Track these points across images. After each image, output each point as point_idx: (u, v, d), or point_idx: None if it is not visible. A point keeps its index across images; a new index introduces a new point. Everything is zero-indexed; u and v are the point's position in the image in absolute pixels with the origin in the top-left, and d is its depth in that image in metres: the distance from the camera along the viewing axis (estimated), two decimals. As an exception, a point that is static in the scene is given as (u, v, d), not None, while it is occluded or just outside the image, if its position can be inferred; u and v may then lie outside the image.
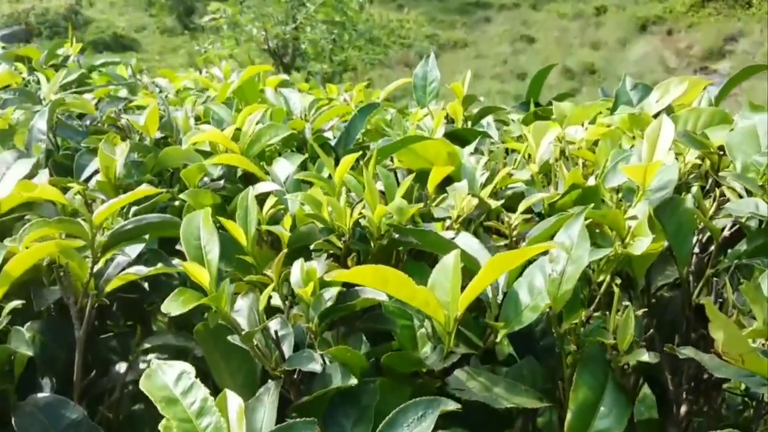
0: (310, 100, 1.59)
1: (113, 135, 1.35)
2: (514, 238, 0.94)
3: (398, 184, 1.03)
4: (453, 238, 0.87)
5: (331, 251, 0.93)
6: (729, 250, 1.00)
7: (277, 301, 0.90)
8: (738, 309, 0.82)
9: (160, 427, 0.64)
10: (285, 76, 2.02)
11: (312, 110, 1.42)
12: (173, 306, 0.74)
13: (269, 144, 1.21)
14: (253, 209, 0.96)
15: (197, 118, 1.51)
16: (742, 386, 1.22)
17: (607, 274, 0.88)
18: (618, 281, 0.89)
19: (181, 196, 1.09)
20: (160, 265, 0.94)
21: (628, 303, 0.82)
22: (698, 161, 1.10)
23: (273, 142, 1.20)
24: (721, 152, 1.07)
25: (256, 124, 1.20)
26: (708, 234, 1.01)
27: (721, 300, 0.86)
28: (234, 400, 0.69)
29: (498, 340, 0.82)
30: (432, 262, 0.97)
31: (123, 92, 1.99)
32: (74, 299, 0.91)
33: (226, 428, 0.64)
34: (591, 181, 1.03)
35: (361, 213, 0.89)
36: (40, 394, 0.85)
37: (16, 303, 0.86)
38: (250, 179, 1.18)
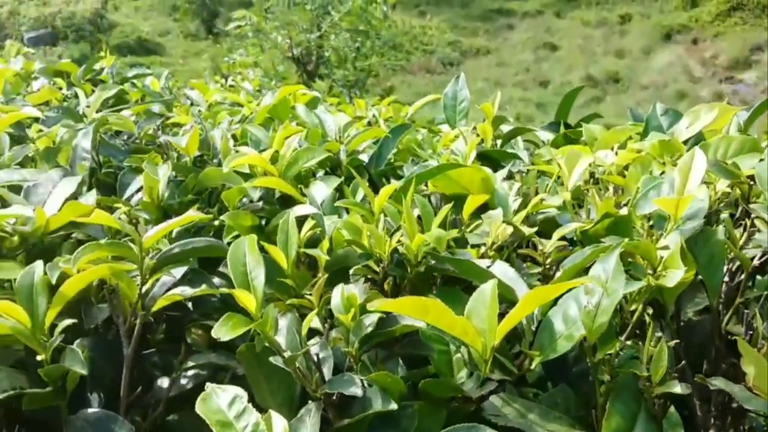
0: (343, 121, 1.62)
1: (154, 155, 1.39)
2: (547, 266, 0.96)
3: (431, 205, 1.06)
4: (489, 267, 0.90)
5: (369, 276, 0.96)
6: (758, 279, 1.03)
7: (316, 323, 0.93)
8: (768, 340, 0.83)
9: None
10: (316, 94, 2.05)
11: (346, 131, 1.46)
12: (223, 331, 0.78)
13: (306, 167, 1.24)
14: (293, 233, 0.99)
15: (234, 138, 1.55)
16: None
17: (639, 303, 0.90)
18: (650, 311, 0.91)
19: (222, 217, 1.13)
20: (204, 286, 0.98)
21: (660, 334, 0.84)
22: (728, 189, 1.12)
23: (310, 165, 1.24)
24: (752, 181, 1.09)
25: (293, 149, 1.23)
26: (738, 263, 1.02)
27: (750, 332, 0.88)
28: (279, 422, 0.72)
29: (532, 367, 0.84)
30: (465, 286, 1.00)
31: (157, 106, 2.05)
32: (123, 318, 0.95)
33: (274, 450, 0.67)
34: (623, 210, 1.04)
35: (399, 241, 0.92)
36: (90, 410, 0.89)
37: (69, 321, 0.90)
38: (287, 200, 1.22)
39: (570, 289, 0.85)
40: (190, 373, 1.06)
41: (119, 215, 1.13)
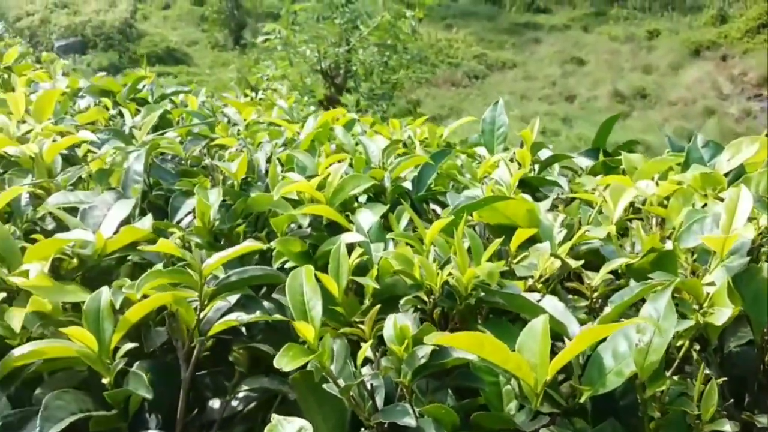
0: (383, 144, 1.66)
1: (203, 179, 1.43)
2: (594, 300, 0.98)
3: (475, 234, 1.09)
4: (539, 301, 0.92)
5: (419, 306, 0.99)
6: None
7: (367, 351, 0.96)
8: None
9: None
10: (354, 116, 2.09)
11: (389, 157, 1.49)
12: (284, 362, 0.80)
13: (352, 194, 1.27)
14: (344, 262, 1.02)
15: (279, 161, 1.59)
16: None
17: (686, 339, 0.92)
18: (697, 347, 0.93)
19: (272, 244, 1.16)
20: (258, 312, 1.01)
21: (708, 371, 0.86)
22: (772, 224, 1.13)
23: (356, 192, 1.27)
24: (795, 217, 1.10)
25: (340, 176, 1.26)
26: (782, 299, 1.03)
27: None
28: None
29: (581, 401, 0.86)
30: (511, 318, 1.02)
31: (195, 121, 2.09)
32: (182, 342, 0.98)
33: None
34: (667, 244, 1.06)
35: (450, 273, 0.94)
36: (149, 431, 0.93)
37: (132, 345, 0.94)
38: (334, 227, 1.25)
39: (619, 325, 0.87)
40: (241, 395, 1.09)
41: (174, 240, 1.16)
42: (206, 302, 0.97)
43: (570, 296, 1.08)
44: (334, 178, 1.26)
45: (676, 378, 0.90)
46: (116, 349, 0.94)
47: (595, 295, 0.99)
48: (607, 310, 0.91)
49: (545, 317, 0.83)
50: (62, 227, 1.36)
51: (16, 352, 0.89)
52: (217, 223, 1.24)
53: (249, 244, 1.01)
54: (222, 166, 1.40)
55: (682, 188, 1.26)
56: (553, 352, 0.80)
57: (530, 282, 1.01)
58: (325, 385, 0.90)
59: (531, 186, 1.53)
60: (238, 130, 2.14)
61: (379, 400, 0.90)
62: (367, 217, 1.21)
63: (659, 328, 0.80)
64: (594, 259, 1.13)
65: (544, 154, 1.70)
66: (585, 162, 1.72)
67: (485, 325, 0.96)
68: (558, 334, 0.92)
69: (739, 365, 1.08)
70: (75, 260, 1.14)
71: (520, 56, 14.84)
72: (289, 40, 7.82)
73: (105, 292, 0.93)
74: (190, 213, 1.34)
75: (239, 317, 1.00)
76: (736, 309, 0.92)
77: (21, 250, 1.12)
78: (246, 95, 5.46)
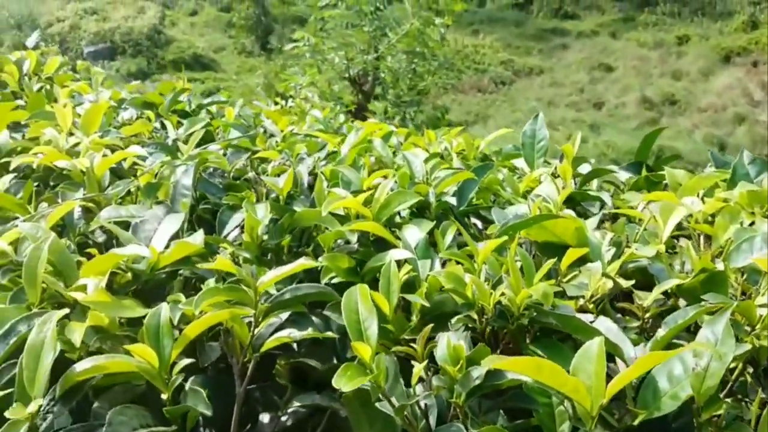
0: (422, 156, 1.67)
1: (249, 193, 1.45)
2: (646, 320, 0.98)
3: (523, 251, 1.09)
4: (592, 322, 0.92)
5: (470, 325, 0.99)
6: None
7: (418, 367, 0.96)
8: None
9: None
10: (392, 128, 2.10)
11: (433, 173, 1.49)
12: (342, 382, 0.82)
13: (398, 210, 1.28)
14: (395, 280, 1.03)
15: (316, 175, 1.61)
16: None
17: (740, 362, 0.91)
18: (750, 370, 0.92)
19: (321, 259, 1.17)
20: (310, 329, 1.02)
21: (763, 395, 0.86)
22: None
23: (402, 208, 1.28)
24: None
25: (386, 192, 1.27)
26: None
27: None
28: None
29: (635, 423, 0.86)
30: (561, 336, 1.03)
31: (234, 133, 2.11)
32: (236, 358, 1.00)
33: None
34: (718, 264, 1.06)
35: (503, 293, 0.95)
36: (204, 446, 0.94)
37: (189, 361, 0.95)
38: (380, 242, 1.26)
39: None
40: (290, 410, 1.11)
41: (225, 255, 1.18)
42: (260, 319, 0.99)
43: (619, 315, 1.09)
44: (381, 194, 1.27)
45: (730, 401, 0.90)
46: (173, 364, 0.96)
47: (647, 315, 0.99)
48: (661, 332, 0.91)
49: (600, 340, 0.83)
50: (112, 240, 1.39)
51: (78, 367, 0.91)
52: (265, 237, 1.26)
53: (303, 262, 1.03)
54: (268, 181, 1.42)
55: (728, 205, 1.25)
56: (606, 374, 0.80)
57: (581, 302, 1.01)
58: (378, 404, 0.91)
59: (573, 200, 1.53)
60: (276, 141, 2.17)
61: (432, 420, 0.91)
62: (414, 234, 1.22)
63: (717, 353, 0.80)
64: (641, 278, 1.13)
65: (585, 168, 1.70)
66: (624, 175, 1.72)
67: (536, 345, 0.96)
68: (610, 355, 0.92)
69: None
70: (129, 274, 1.17)
71: (548, 62, 14.79)
72: (317, 48, 7.86)
73: (164, 309, 0.95)
74: (237, 227, 1.36)
75: (291, 334, 1.01)
76: (790, 331, 0.92)
77: (76, 264, 1.14)
78: (276, 103, 5.51)
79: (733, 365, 0.93)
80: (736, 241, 1.11)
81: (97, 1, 20.49)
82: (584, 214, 1.51)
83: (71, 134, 1.73)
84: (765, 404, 0.85)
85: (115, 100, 2.30)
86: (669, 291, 1.09)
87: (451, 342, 0.90)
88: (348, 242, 1.24)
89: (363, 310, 0.91)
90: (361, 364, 0.87)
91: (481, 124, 12.94)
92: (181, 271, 1.21)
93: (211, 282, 1.13)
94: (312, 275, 1.22)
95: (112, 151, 1.57)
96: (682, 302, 1.10)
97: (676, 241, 1.28)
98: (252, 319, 1.00)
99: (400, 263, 1.12)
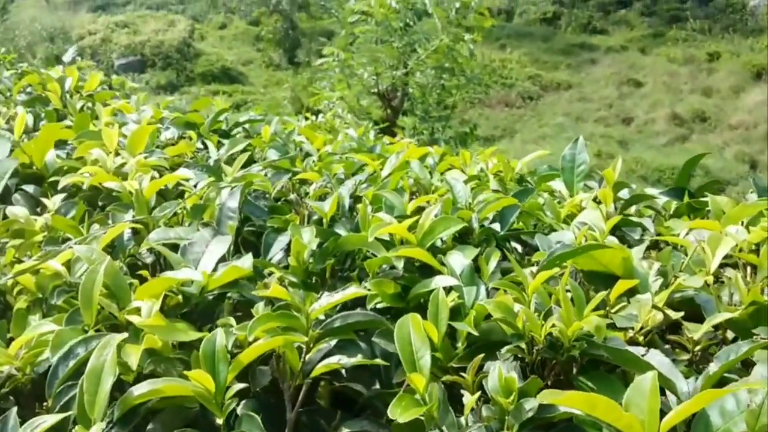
0: (460, 178, 1.68)
1: (294, 216, 1.47)
2: (696, 353, 0.98)
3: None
4: (644, 355, 0.92)
5: (519, 355, 1.00)
6: None
7: (468, 398, 0.97)
8: None
9: None
10: (430, 149, 2.12)
11: (476, 198, 1.50)
12: (397, 412, 0.83)
13: (442, 236, 1.29)
14: (444, 308, 1.04)
15: (358, 198, 1.63)
16: None
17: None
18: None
19: (367, 285, 1.19)
20: (359, 356, 1.04)
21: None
22: None
23: (446, 235, 1.29)
24: None
25: (431, 218, 1.29)
26: None
27: None
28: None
29: (687, 458, 0.86)
30: (609, 367, 1.03)
31: (272, 153, 2.14)
32: (287, 383, 1.01)
33: None
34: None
35: (553, 324, 0.95)
36: (256, 471, 0.96)
37: (242, 386, 0.97)
38: (425, 268, 1.27)
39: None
40: (338, 434, 1.12)
41: (273, 280, 1.20)
42: (312, 345, 1.00)
43: (667, 346, 1.09)
44: (426, 220, 1.28)
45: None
46: (226, 388, 0.97)
47: (697, 348, 0.99)
48: (713, 367, 0.91)
49: (654, 374, 0.84)
50: (160, 261, 1.42)
51: (136, 390, 0.94)
52: (310, 261, 1.28)
53: (355, 291, 1.04)
54: (314, 205, 1.44)
55: (776, 236, 1.25)
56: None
57: (630, 333, 1.02)
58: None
59: (614, 226, 1.53)
60: (313, 161, 2.19)
61: (483, 450, 0.92)
62: (459, 260, 1.23)
63: (774, 390, 0.80)
64: (688, 309, 1.13)
65: (624, 191, 1.70)
66: (662, 198, 1.71)
67: (586, 377, 0.97)
68: (661, 388, 0.92)
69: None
70: (179, 297, 1.19)
71: (576, 77, 14.74)
72: (347, 63, 7.92)
73: (219, 335, 0.97)
74: (281, 249, 1.38)
75: (341, 360, 1.03)
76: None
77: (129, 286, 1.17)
78: (306, 118, 5.56)
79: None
80: (784, 273, 1.11)
81: (128, 15, 20.88)
82: (624, 239, 1.51)
83: (117, 154, 1.77)
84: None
85: (156, 118, 2.34)
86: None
87: (502, 373, 0.91)
88: (393, 267, 1.25)
89: (416, 340, 0.92)
90: (414, 394, 0.88)
91: (508, 138, 12.93)
92: (229, 294, 1.23)
93: (260, 306, 1.14)
94: (357, 298, 1.23)
95: (160, 174, 1.60)
96: (729, 334, 1.10)
97: (721, 270, 1.28)
98: (302, 344, 1.01)
99: (445, 290, 1.13)
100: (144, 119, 2.19)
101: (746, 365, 0.99)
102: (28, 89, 2.87)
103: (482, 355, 0.96)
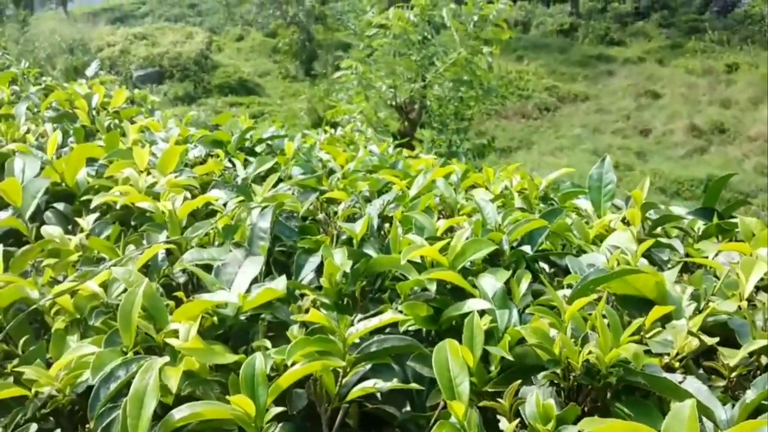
0: (487, 197, 1.68)
1: (324, 237, 1.48)
2: (731, 379, 0.98)
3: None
4: (681, 382, 0.92)
5: (555, 380, 1.00)
6: None
7: (504, 423, 0.98)
8: None
9: None
10: (455, 167, 2.13)
11: (505, 219, 1.51)
12: (439, 438, 0.84)
13: (473, 258, 1.30)
14: (479, 333, 1.05)
15: (385, 217, 1.64)
16: None
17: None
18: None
19: (400, 307, 1.20)
20: (395, 380, 1.04)
21: None
22: None
23: (477, 257, 1.30)
24: None
25: (463, 241, 1.30)
26: None
27: None
28: None
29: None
30: (644, 393, 1.03)
31: (296, 170, 2.16)
32: (324, 407, 1.02)
33: None
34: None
35: (590, 351, 0.96)
36: (294, 494, 0.97)
37: (280, 409, 0.98)
38: (456, 290, 1.28)
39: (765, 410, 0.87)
40: (371, 457, 1.13)
41: (306, 303, 1.22)
42: (348, 369, 1.02)
43: (700, 370, 1.09)
44: (457, 243, 1.29)
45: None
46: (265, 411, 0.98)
47: (733, 375, 0.99)
48: (750, 394, 0.91)
49: (692, 402, 0.84)
50: (192, 280, 1.44)
51: (177, 414, 0.95)
52: (343, 282, 1.29)
53: (392, 316, 1.05)
54: (346, 227, 1.46)
55: (808, 260, 1.24)
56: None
57: (666, 359, 1.02)
58: (464, 457, 0.92)
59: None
60: (337, 178, 2.20)
61: (521, 476, 0.92)
62: (491, 283, 1.24)
63: (817, 421, 0.80)
64: (721, 333, 1.13)
65: (652, 212, 1.70)
66: (683, 212, 1.71)
67: (623, 404, 0.97)
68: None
69: None
70: (214, 318, 1.21)
71: (593, 89, 14.71)
72: (365, 76, 7.96)
73: (258, 359, 0.98)
74: (313, 270, 1.40)
75: (376, 384, 1.03)
76: None
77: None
78: (325, 131, 5.57)
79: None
80: (819, 298, 1.11)
81: (146, 27, 21.11)
82: (652, 259, 1.51)
83: (148, 173, 1.80)
84: None
85: (183, 136, 2.37)
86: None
87: (540, 399, 0.91)
88: (425, 289, 1.26)
89: (454, 366, 0.93)
90: (450, 417, 0.88)
91: (525, 150, 12.91)
92: (263, 315, 1.25)
93: (294, 328, 1.16)
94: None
95: (190, 193, 1.62)
96: (764, 359, 1.10)
97: (754, 293, 1.27)
98: (340, 369, 1.02)
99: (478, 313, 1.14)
100: (172, 137, 2.21)
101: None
102: (53, 103, 2.91)
103: (519, 381, 0.96)
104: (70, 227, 1.69)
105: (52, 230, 1.51)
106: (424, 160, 2.67)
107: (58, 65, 18.15)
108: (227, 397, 0.94)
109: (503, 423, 0.97)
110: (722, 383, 1.01)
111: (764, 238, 1.40)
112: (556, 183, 2.39)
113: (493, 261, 1.45)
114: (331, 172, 2.35)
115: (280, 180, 1.99)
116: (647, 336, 1.07)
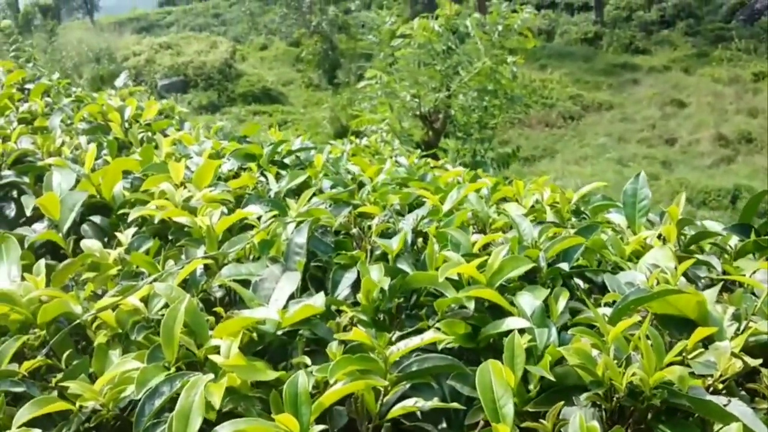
0: (519, 211, 1.69)
1: (360, 252, 1.49)
2: (777, 403, 0.97)
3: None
4: (726, 405, 0.92)
5: (598, 402, 1.00)
6: None
7: (545, 444, 0.98)
8: None
9: None
10: (486, 181, 2.13)
11: (542, 236, 1.51)
12: (484, 461, 0.84)
13: (510, 276, 1.30)
14: (520, 352, 1.05)
15: (421, 233, 1.64)
16: None
17: None
18: None
19: (438, 325, 1.20)
20: (436, 399, 1.05)
21: None
22: None
23: (514, 275, 1.30)
24: None
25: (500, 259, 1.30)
26: None
27: None
28: None
29: None
30: (686, 414, 1.02)
31: (326, 183, 2.17)
32: (366, 425, 1.03)
33: None
34: None
35: (634, 373, 0.95)
36: None
37: (323, 427, 0.99)
38: (494, 308, 1.28)
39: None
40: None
41: (344, 320, 1.23)
42: (389, 388, 1.02)
43: (742, 391, 1.08)
44: (495, 260, 1.29)
45: None
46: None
47: (778, 398, 0.98)
48: (798, 418, 0.90)
49: (739, 426, 0.84)
50: (229, 295, 1.45)
51: (220, 430, 0.96)
52: (380, 299, 1.30)
53: (434, 335, 1.06)
54: (382, 243, 1.46)
55: None
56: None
57: (709, 380, 1.01)
58: (507, 478, 0.92)
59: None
60: (367, 191, 2.21)
61: (564, 498, 0.92)
62: (529, 301, 1.23)
63: None
64: (761, 352, 1.12)
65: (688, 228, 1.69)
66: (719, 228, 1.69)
67: (666, 426, 0.96)
68: None
69: None
70: (255, 335, 1.22)
71: (618, 97, 14.61)
72: (389, 86, 7.98)
73: (302, 377, 0.99)
74: (349, 286, 1.40)
75: (417, 403, 1.04)
76: None
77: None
78: (351, 141, 5.60)
79: None
80: None
81: (171, 36, 21.35)
82: (688, 276, 1.49)
83: (183, 186, 1.82)
84: None
85: (216, 149, 2.39)
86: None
87: (584, 422, 0.91)
88: (462, 307, 1.26)
89: (497, 387, 0.93)
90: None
91: (548, 159, 12.85)
92: (300, 331, 1.26)
93: (333, 345, 1.17)
94: (422, 331, 1.25)
95: (227, 209, 1.64)
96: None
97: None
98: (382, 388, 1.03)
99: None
100: (205, 151, 2.24)
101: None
102: (86, 114, 2.96)
103: (562, 403, 0.96)
104: (106, 240, 1.72)
105: (91, 244, 1.54)
106: (453, 173, 2.67)
107: (84, 74, 18.40)
108: (272, 415, 0.95)
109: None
110: (765, 405, 1.00)
111: (804, 256, 1.39)
112: (587, 196, 2.38)
113: (528, 277, 1.45)
114: (361, 184, 2.36)
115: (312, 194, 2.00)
116: (689, 357, 1.06)
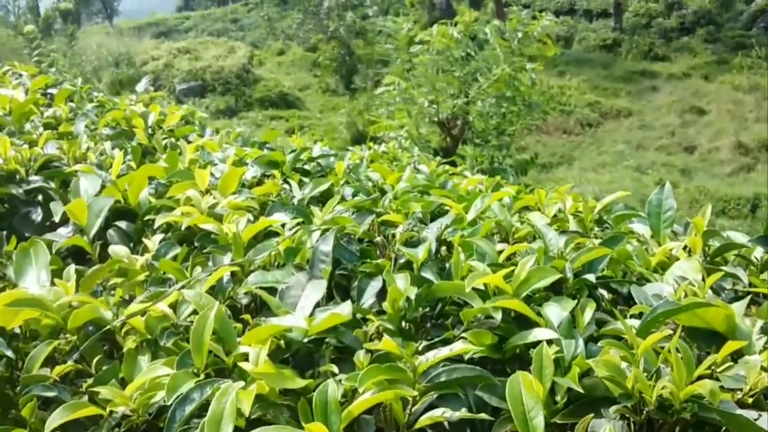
0: (542, 221, 1.68)
1: (386, 261, 1.50)
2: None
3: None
4: (756, 420, 0.91)
5: (626, 414, 1.00)
6: None
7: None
8: None
9: None
10: (509, 190, 2.13)
11: (567, 246, 1.51)
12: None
13: (537, 287, 1.30)
14: (548, 364, 1.05)
15: (445, 242, 1.65)
16: None
17: None
18: None
19: (465, 335, 1.21)
20: (464, 410, 1.05)
21: None
22: None
23: (541, 285, 1.30)
24: None
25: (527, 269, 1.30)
26: None
27: None
28: None
29: None
30: (714, 428, 1.02)
31: (348, 190, 2.18)
32: (393, 435, 1.04)
33: None
34: None
35: (664, 386, 0.95)
36: None
37: (350, 438, 1.00)
38: (521, 318, 1.28)
39: None
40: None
41: (371, 329, 1.23)
42: (418, 398, 1.03)
43: (772, 406, 1.07)
44: (522, 271, 1.30)
45: None
46: (334, 438, 1.00)
47: (810, 413, 0.97)
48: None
49: (772, 442, 0.83)
50: (255, 302, 1.46)
51: (250, 438, 0.97)
52: (406, 307, 1.30)
53: (463, 346, 1.06)
54: (408, 252, 1.47)
55: None
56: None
57: (738, 395, 1.01)
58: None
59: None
60: (389, 199, 2.21)
61: None
62: (556, 312, 1.24)
63: None
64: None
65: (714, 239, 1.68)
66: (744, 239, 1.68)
67: (697, 439, 0.96)
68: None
69: None
70: (282, 342, 1.23)
71: (636, 104, 14.54)
72: (408, 93, 8.00)
73: (331, 386, 1.00)
74: (374, 295, 1.41)
75: (445, 413, 1.04)
76: None
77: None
78: (369, 147, 5.60)
79: None
80: None
81: (189, 41, 21.51)
82: (713, 288, 1.49)
83: (208, 193, 1.83)
84: None
85: (239, 156, 2.41)
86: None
87: (613, 434, 0.91)
88: (489, 317, 1.27)
89: (528, 399, 0.93)
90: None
91: (566, 166, 12.81)
92: (327, 340, 1.26)
93: (360, 354, 1.17)
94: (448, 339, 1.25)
95: (254, 217, 1.66)
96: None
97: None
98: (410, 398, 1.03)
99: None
100: (228, 158, 2.26)
101: None
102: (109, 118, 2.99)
103: (592, 415, 0.96)
104: (132, 245, 1.74)
105: (119, 250, 1.55)
106: (474, 180, 2.67)
107: (104, 78, 18.57)
108: (302, 423, 0.96)
109: (573, 456, 0.97)
110: (798, 421, 0.99)
111: (832, 269, 1.38)
112: (609, 205, 2.37)
113: (553, 288, 1.45)
114: (382, 192, 2.36)
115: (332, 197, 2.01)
116: (719, 370, 1.06)
